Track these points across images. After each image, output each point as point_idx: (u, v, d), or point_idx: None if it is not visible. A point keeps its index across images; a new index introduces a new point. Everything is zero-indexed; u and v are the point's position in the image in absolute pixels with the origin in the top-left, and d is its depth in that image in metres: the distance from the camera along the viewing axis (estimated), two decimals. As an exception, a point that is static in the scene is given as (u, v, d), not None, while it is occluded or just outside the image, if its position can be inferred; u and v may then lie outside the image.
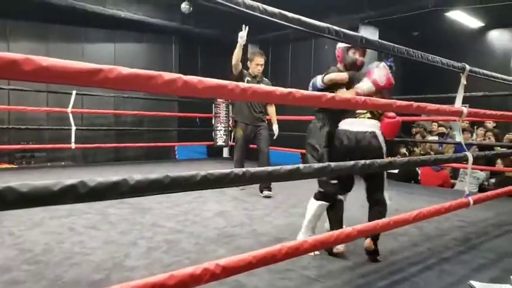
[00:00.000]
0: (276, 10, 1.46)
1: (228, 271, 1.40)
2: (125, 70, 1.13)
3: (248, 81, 4.33)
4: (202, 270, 1.33)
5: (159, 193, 1.24)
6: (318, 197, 2.69)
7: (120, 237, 2.87)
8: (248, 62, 4.60)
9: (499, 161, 5.62)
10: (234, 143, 4.88)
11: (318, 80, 2.67)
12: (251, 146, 4.90)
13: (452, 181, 6.12)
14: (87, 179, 1.09)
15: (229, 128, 8.39)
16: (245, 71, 4.52)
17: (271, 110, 4.82)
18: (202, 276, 1.31)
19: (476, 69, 2.64)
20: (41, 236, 2.81)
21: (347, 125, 2.59)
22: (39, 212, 3.36)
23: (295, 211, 3.80)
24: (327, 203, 2.66)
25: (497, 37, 8.46)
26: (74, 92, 6.27)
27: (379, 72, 2.44)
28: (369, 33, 7.12)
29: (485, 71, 2.75)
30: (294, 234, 2.98)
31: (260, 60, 4.52)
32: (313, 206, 2.70)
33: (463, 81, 2.56)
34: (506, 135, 6.38)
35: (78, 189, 1.07)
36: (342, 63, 2.72)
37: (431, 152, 6.69)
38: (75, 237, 2.82)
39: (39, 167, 6.40)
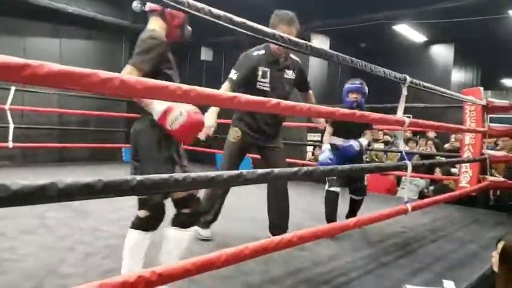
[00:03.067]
0: (221, 12, 1.44)
1: (165, 278, 1.36)
2: (56, 66, 1.06)
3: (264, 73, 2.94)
4: (137, 277, 1.27)
5: (90, 198, 1.18)
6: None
7: (57, 242, 2.72)
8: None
9: (437, 169, 5.94)
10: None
11: None
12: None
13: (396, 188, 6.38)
14: (9, 182, 1.01)
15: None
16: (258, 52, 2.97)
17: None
18: (136, 285, 1.26)
19: (417, 81, 2.76)
20: (-34, 242, 2.61)
21: None
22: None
23: (242, 215, 3.79)
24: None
25: (439, 52, 8.96)
26: (13, 88, 5.91)
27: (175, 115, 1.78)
28: (320, 41, 7.31)
29: (425, 83, 2.88)
30: (237, 239, 2.97)
31: (292, 30, 2.84)
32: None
33: (404, 91, 2.67)
34: (445, 145, 6.77)
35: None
36: None
37: (376, 160, 6.95)
38: (5, 243, 2.63)
39: (-29, 167, 5.96)
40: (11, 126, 5.87)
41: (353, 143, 3.39)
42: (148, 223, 1.96)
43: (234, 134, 3.07)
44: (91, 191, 1.13)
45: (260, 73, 2.90)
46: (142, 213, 1.95)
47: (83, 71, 1.12)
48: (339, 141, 3.52)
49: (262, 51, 2.96)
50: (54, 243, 2.69)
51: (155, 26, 1.98)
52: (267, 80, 2.91)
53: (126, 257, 1.95)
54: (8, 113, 5.87)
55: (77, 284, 1.99)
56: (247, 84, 2.88)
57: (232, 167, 2.97)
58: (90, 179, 1.14)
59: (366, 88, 3.49)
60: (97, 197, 1.18)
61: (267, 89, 2.91)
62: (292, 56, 3.06)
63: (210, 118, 2.64)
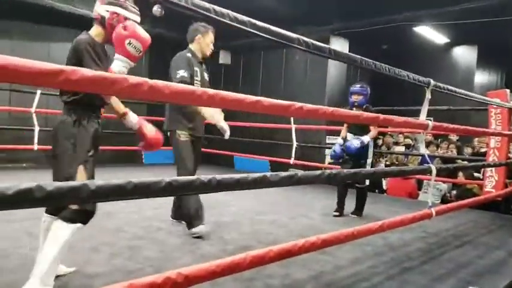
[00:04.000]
0: (246, 18, 1.46)
1: (191, 280, 1.37)
2: (89, 72, 1.09)
3: (196, 72, 3.18)
4: (164, 279, 1.29)
5: (121, 199, 1.20)
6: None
7: (81, 242, 2.77)
8: (197, 36, 3.24)
9: (460, 173, 5.83)
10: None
11: None
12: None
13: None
14: (44, 182, 1.04)
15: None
16: (188, 54, 3.21)
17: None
18: (163, 286, 1.28)
19: (440, 84, 2.73)
20: (-4, 241, 2.69)
21: None
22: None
23: (263, 218, 3.80)
24: None
25: (461, 54, 8.80)
26: (39, 92, 6.07)
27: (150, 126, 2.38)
28: (339, 44, 7.27)
29: (448, 86, 2.84)
30: (261, 242, 2.98)
31: (213, 38, 3.30)
32: None
33: (428, 95, 2.64)
34: (466, 148, 6.64)
35: (34, 194, 1.02)
36: None
37: (397, 163, 6.86)
38: (33, 243, 2.69)
39: (-2, 168, 6.14)
40: (36, 129, 6.02)
41: (354, 141, 3.90)
42: (80, 216, 1.96)
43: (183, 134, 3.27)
44: (122, 192, 1.16)
45: (195, 72, 3.18)
46: (75, 207, 1.91)
47: (114, 77, 1.15)
48: (350, 136, 4.13)
49: (189, 54, 3.22)
50: (79, 243, 2.74)
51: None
52: (199, 79, 3.19)
53: (50, 247, 1.92)
54: (34, 116, 6.03)
55: (103, 284, 2.04)
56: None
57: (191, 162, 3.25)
58: (120, 181, 1.16)
59: (368, 90, 4.08)
60: (127, 198, 1.21)
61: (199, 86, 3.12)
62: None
63: (224, 123, 3.00)
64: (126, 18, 2.02)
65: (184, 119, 3.22)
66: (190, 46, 3.29)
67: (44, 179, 1.07)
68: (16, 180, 0.96)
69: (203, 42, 3.25)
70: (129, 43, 1.99)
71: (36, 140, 6.02)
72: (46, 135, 6.50)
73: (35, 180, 1.05)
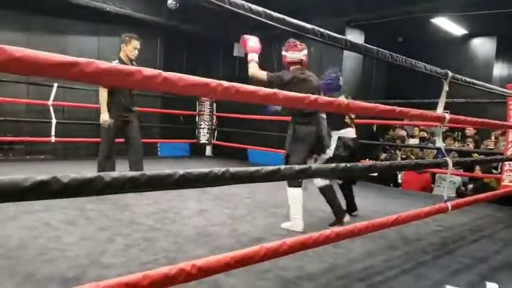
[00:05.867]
0: (261, 9, 1.45)
1: (204, 272, 1.38)
2: (103, 64, 1.10)
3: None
4: (178, 270, 1.30)
5: (135, 191, 1.21)
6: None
7: (97, 233, 2.82)
8: (122, 45, 4.19)
9: (477, 167, 5.73)
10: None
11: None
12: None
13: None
14: (61, 175, 1.05)
15: (213, 127, 8.36)
16: (115, 61, 3.90)
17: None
18: (177, 277, 1.29)
19: (459, 76, 2.67)
20: (15, 231, 2.74)
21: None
22: (13, 206, 3.27)
23: (276, 211, 3.80)
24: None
25: (479, 45, 8.61)
26: (56, 85, 6.15)
27: None
28: (355, 36, 7.17)
29: (467, 78, 2.79)
30: (274, 235, 2.99)
31: (137, 44, 4.22)
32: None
33: (446, 87, 2.59)
34: (485, 141, 6.51)
35: (50, 186, 1.04)
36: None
37: (412, 156, 6.78)
38: (51, 233, 2.75)
39: (17, 160, 6.26)
40: (54, 121, 6.12)
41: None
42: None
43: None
44: (136, 184, 1.17)
45: None
46: None
47: (129, 69, 1.16)
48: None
49: (116, 61, 4.00)
50: (95, 234, 2.79)
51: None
52: None
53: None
54: (51, 109, 6.12)
55: (118, 274, 2.07)
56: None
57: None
58: (134, 173, 1.17)
59: (331, 78, 3.59)
60: (141, 190, 1.22)
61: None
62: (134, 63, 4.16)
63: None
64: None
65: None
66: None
67: (61, 171, 1.08)
68: (34, 171, 0.97)
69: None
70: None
71: (53, 132, 6.12)
72: (63, 127, 6.64)
73: (52, 171, 1.06)
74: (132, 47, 4.18)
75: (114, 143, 4.35)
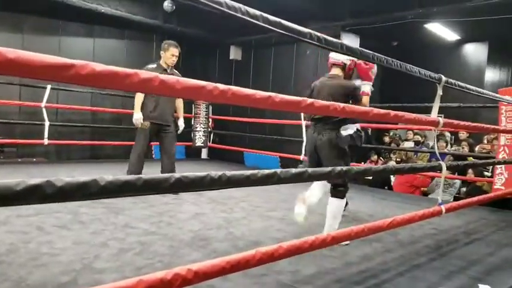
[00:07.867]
0: (258, 12, 1.44)
1: (200, 276, 1.37)
2: (99, 67, 1.09)
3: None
4: (174, 275, 1.29)
5: (130, 195, 1.20)
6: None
7: (91, 237, 2.79)
8: (161, 52, 4.41)
9: (470, 170, 5.76)
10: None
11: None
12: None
13: (424, 189, 6.23)
14: (54, 178, 1.04)
15: (209, 129, 8.35)
16: (152, 65, 4.36)
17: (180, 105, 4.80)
18: (173, 282, 1.28)
19: (452, 81, 2.69)
20: (5, 235, 2.70)
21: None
22: (4, 210, 3.22)
23: (273, 214, 3.79)
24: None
25: (471, 50, 8.69)
26: (49, 87, 6.11)
27: None
28: (350, 40, 7.21)
29: (460, 83, 2.80)
30: (271, 238, 2.98)
31: (175, 51, 4.38)
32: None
33: (439, 92, 2.60)
34: (479, 145, 6.56)
35: (44, 190, 1.02)
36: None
37: (406, 159, 6.81)
38: (43, 237, 2.72)
39: (8, 163, 6.19)
40: (47, 123, 6.07)
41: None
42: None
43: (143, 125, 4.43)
44: (132, 188, 1.15)
45: None
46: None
47: (125, 71, 1.14)
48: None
49: (154, 65, 4.32)
50: (89, 238, 2.76)
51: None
52: None
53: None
54: (44, 111, 6.08)
55: (113, 279, 2.05)
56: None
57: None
58: (130, 177, 1.16)
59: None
60: (137, 194, 1.20)
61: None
62: (174, 70, 4.53)
63: None
64: (356, 62, 3.13)
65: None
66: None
67: (54, 173, 1.07)
68: (26, 174, 0.96)
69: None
70: (372, 72, 3.15)
71: (46, 134, 6.07)
72: (56, 129, 6.60)
73: (45, 174, 1.05)
74: (170, 54, 4.36)
75: (147, 145, 4.59)
